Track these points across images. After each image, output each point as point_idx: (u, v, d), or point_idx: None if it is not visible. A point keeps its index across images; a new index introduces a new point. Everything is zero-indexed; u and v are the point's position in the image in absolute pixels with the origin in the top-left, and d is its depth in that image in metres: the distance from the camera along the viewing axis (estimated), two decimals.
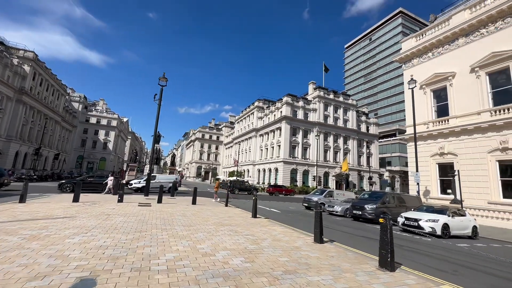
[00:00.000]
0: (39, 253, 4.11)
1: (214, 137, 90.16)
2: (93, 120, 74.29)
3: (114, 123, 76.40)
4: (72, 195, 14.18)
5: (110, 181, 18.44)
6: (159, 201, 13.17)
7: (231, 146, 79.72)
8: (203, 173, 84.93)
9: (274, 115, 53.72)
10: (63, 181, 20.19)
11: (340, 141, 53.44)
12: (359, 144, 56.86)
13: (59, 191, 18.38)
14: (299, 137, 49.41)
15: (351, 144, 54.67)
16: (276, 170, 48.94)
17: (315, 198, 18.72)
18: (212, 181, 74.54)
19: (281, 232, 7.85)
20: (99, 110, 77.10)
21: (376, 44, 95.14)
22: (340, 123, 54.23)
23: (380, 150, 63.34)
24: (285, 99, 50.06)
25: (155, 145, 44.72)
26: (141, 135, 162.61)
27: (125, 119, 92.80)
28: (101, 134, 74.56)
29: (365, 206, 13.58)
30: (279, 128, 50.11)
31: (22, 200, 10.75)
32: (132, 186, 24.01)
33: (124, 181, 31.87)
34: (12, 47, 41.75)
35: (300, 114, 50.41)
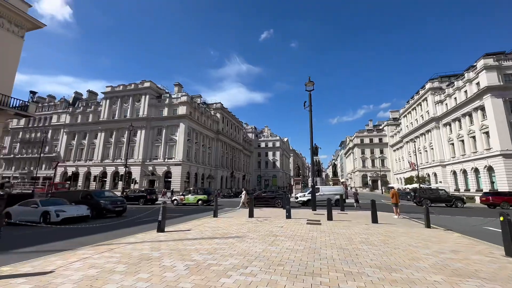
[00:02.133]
0: None
1: (376, 140, 78.57)
2: (262, 145, 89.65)
3: (277, 144, 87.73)
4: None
5: (243, 195, 19.59)
6: (329, 217, 10.93)
7: (401, 147, 65.25)
8: (370, 182, 75.21)
9: (465, 91, 37.54)
10: None
11: None
12: None
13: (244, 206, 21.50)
14: None
15: None
16: (489, 169, 32.58)
17: None
18: (383, 191, 63.55)
19: None
20: (265, 136, 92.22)
21: None
22: None
23: None
24: (482, 62, 33.70)
25: (314, 157, 44.75)
26: (300, 151, 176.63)
27: (285, 139, 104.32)
28: (270, 155, 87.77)
29: None
30: (481, 107, 33.90)
31: (215, 215, 12.56)
32: (298, 200, 23.96)
33: (293, 195, 33.43)
34: (209, 103, 59.87)
35: None
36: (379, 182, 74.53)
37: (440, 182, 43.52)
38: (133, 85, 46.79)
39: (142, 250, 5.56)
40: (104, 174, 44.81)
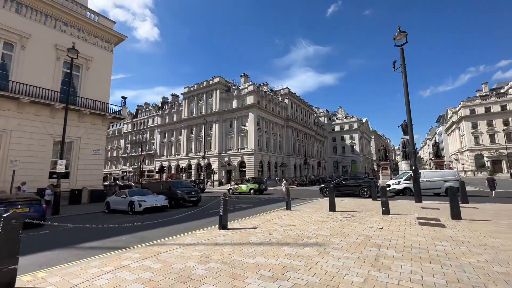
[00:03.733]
0: None
1: (496, 108, 59.13)
2: (337, 128, 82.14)
3: (354, 125, 78.58)
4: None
5: (284, 186, 16.86)
6: (455, 215, 7.35)
7: None
8: (489, 164, 57.79)
9: None
10: (322, 185, 21.05)
11: None
12: None
13: (321, 195, 18.93)
14: None
15: None
16: None
17: None
18: (490, 174, 47.32)
19: None
20: (340, 118, 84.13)
21: None
22: None
23: None
24: None
25: (404, 136, 36.95)
26: (383, 133, 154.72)
27: (363, 120, 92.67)
28: (347, 139, 79.64)
29: None
30: None
31: (287, 207, 10.79)
32: (390, 188, 19.49)
33: (379, 182, 28.27)
34: (276, 90, 58.19)
35: None
36: (503, 163, 56.29)
37: None
38: (205, 83, 49.93)
39: (189, 259, 4.28)
40: (189, 166, 50.22)
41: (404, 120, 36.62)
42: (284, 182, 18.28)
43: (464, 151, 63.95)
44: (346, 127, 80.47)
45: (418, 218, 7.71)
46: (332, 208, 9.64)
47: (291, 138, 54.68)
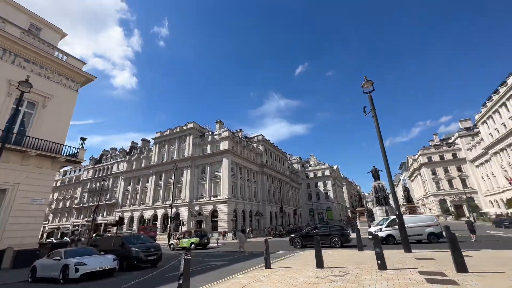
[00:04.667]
0: None
1: (448, 156, 65.66)
2: (310, 175, 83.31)
3: (327, 172, 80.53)
4: (312, 253, 11.44)
5: (239, 237, 16.00)
6: (461, 268, 6.38)
7: (487, 161, 52.55)
8: (452, 208, 60.82)
9: None
10: (292, 235, 19.30)
11: None
12: None
13: (292, 247, 17.37)
14: None
15: None
16: None
17: None
18: (475, 218, 49.80)
19: None
20: (312, 165, 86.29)
21: None
22: None
23: None
24: None
25: (377, 182, 37.73)
26: (353, 180, 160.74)
27: (335, 167, 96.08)
28: (320, 186, 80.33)
29: None
30: None
31: (266, 264, 9.00)
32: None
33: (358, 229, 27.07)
34: (251, 137, 59.02)
35: None
36: (464, 207, 59.72)
37: None
38: (178, 128, 49.05)
39: None
40: (155, 217, 45.08)
41: (374, 166, 38.00)
42: (241, 234, 16.42)
43: (429, 196, 67.39)
44: (319, 173, 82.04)
45: (420, 273, 6.57)
46: (319, 264, 8.14)
47: (266, 185, 53.36)
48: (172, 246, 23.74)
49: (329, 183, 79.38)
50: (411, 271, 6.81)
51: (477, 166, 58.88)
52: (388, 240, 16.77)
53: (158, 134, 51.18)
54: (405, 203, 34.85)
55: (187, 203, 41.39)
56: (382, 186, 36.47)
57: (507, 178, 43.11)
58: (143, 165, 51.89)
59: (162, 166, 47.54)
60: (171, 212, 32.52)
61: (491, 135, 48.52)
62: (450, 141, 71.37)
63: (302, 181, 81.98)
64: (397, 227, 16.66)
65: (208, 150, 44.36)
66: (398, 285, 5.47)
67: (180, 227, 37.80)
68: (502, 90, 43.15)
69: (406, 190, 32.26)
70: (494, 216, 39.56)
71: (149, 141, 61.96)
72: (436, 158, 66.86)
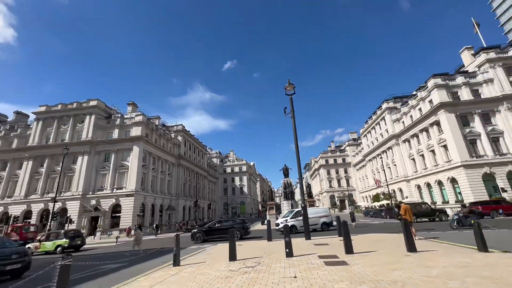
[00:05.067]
0: None
1: (339, 160, 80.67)
2: (228, 170, 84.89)
3: (244, 168, 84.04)
4: (225, 246, 11.38)
5: (134, 237, 14.54)
6: (349, 249, 7.57)
7: (364, 165, 67.44)
8: (338, 202, 75.15)
9: (420, 109, 40.23)
10: (194, 230, 18.61)
11: None
12: None
13: (193, 242, 17.00)
14: (477, 125, 33.12)
15: None
16: (453, 180, 33.74)
17: None
18: (352, 210, 63.17)
19: None
20: (231, 160, 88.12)
21: None
22: None
23: None
24: (432, 81, 36.63)
25: (285, 179, 41.88)
26: (266, 177, 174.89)
27: (251, 163, 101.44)
28: (237, 181, 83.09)
29: None
30: (437, 123, 36.06)
31: (175, 262, 8.19)
32: (279, 228, 20.18)
33: (265, 222, 29.30)
34: (169, 126, 54.53)
35: (465, 94, 34.78)
36: (346, 201, 75.02)
37: (407, 197, 44.31)
38: (75, 104, 39.77)
39: None
40: (27, 213, 35.03)
41: (285, 165, 42.19)
42: (138, 231, 14.53)
43: (323, 192, 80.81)
44: (236, 169, 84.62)
45: (320, 257, 7.41)
46: (232, 257, 8.03)
47: (182, 178, 50.60)
48: (29, 249, 17.51)
49: (245, 178, 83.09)
50: (312, 256, 7.61)
51: (357, 170, 74.81)
52: (292, 230, 18.71)
53: (43, 108, 39.97)
54: (306, 197, 40.17)
55: (79, 196, 34.13)
56: (290, 182, 40.91)
57: (374, 180, 56.61)
58: (14, 145, 39.39)
59: (46, 149, 37.42)
60: (53, 207, 25.91)
61: (368, 146, 62.64)
62: (342, 148, 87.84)
63: (220, 175, 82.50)
64: (300, 218, 18.88)
65: (115, 134, 38.00)
66: (304, 270, 5.93)
67: (67, 225, 30.72)
68: (375, 115, 56.35)
69: (308, 186, 37.35)
70: (364, 208, 51.33)
71: (27, 116, 47.75)
72: (331, 161, 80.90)
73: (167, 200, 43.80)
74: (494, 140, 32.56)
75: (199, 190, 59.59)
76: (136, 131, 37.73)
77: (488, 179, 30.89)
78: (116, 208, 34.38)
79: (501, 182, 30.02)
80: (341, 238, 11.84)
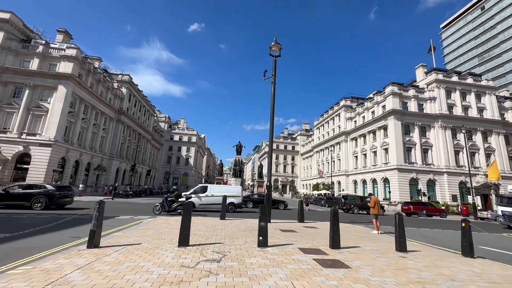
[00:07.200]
0: None
1: (289, 147, 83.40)
2: (176, 138, 78.66)
3: (194, 139, 79.12)
4: (170, 218, 8.94)
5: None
6: (335, 244, 6.13)
7: (311, 156, 71.04)
8: (280, 187, 78.39)
9: (373, 112, 43.02)
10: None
11: (478, 138, 38.06)
12: (508, 141, 39.77)
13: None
14: (415, 136, 37.11)
15: (494, 142, 38.39)
16: (386, 180, 37.64)
17: None
18: (292, 195, 66.78)
19: None
20: (181, 128, 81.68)
21: (493, 12, 72.26)
22: (473, 113, 39.09)
23: None
24: (390, 88, 39.11)
25: (237, 156, 40.24)
26: (214, 152, 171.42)
27: (202, 135, 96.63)
28: (183, 151, 77.91)
29: None
30: (384, 127, 39.10)
31: (91, 242, 5.41)
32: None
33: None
34: (112, 73, 45.76)
35: (412, 106, 38.32)
36: (287, 187, 78.95)
37: (343, 189, 48.31)
38: None
39: None
40: None
41: (239, 141, 40.40)
42: None
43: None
44: (185, 138, 79.09)
45: (302, 250, 5.76)
46: (184, 240, 5.70)
47: (120, 137, 43.86)
48: None
49: (193, 149, 78.57)
50: (292, 248, 5.90)
51: (304, 159, 78.68)
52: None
53: None
54: (256, 178, 39.55)
55: None
56: (241, 160, 39.53)
57: (318, 170, 60.18)
58: None
59: None
60: None
61: (319, 138, 65.79)
62: (294, 136, 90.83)
63: (166, 142, 75.92)
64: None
65: (34, 65, 29.32)
66: (298, 274, 4.11)
67: None
68: (332, 110, 58.85)
69: (260, 167, 36.59)
70: (303, 195, 54.32)
71: None
72: (281, 147, 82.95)
73: (97, 158, 37.35)
74: (425, 151, 37.17)
75: (139, 153, 53.23)
76: (65, 67, 29.82)
77: (413, 183, 35.38)
78: (24, 158, 27.21)
79: (422, 187, 34.73)
80: (302, 223, 10.67)
